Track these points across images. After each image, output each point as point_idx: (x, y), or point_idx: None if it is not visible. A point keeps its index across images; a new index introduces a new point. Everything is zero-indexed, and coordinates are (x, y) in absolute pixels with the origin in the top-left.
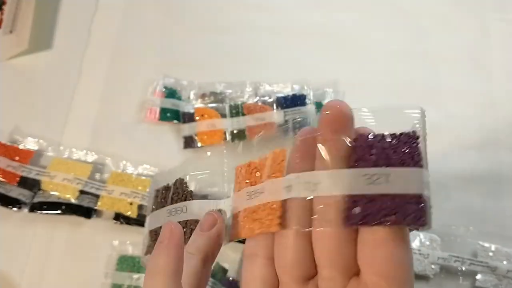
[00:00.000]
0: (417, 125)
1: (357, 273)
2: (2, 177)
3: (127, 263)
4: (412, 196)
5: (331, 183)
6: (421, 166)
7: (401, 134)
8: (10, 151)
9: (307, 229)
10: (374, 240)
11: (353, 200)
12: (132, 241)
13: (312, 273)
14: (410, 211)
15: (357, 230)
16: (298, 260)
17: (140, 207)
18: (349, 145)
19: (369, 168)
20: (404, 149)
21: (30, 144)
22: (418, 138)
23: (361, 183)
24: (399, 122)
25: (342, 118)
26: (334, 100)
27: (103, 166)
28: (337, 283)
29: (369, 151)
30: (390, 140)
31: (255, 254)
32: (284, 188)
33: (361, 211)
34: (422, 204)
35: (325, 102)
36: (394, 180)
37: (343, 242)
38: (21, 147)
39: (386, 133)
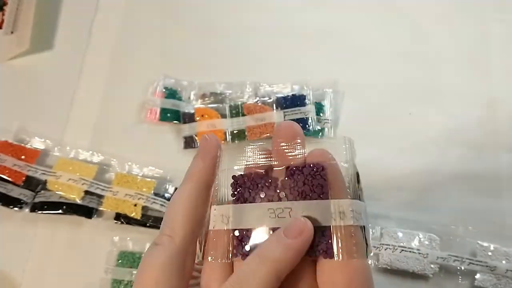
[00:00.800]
0: (344, 152)
1: None
2: (8, 176)
3: (127, 259)
4: (318, 228)
5: (235, 218)
6: (326, 198)
7: (303, 167)
8: (16, 150)
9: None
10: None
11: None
12: (132, 237)
13: None
14: (316, 244)
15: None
16: None
17: (144, 208)
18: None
19: (271, 202)
20: (308, 182)
21: (36, 143)
22: (323, 169)
23: (266, 217)
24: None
25: (293, 131)
26: (284, 123)
27: (108, 167)
28: None
29: (276, 184)
30: (294, 173)
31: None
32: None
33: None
34: (328, 237)
35: (325, 102)
36: (297, 214)
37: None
38: (27, 146)
39: (293, 165)
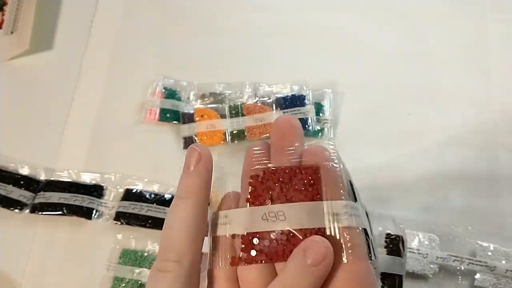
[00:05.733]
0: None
1: None
2: None
3: (130, 257)
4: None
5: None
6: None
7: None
8: None
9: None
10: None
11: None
12: (135, 236)
13: None
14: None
15: None
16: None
17: None
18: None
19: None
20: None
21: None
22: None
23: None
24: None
25: (290, 128)
26: (283, 116)
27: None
28: None
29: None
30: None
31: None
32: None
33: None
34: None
35: (324, 102)
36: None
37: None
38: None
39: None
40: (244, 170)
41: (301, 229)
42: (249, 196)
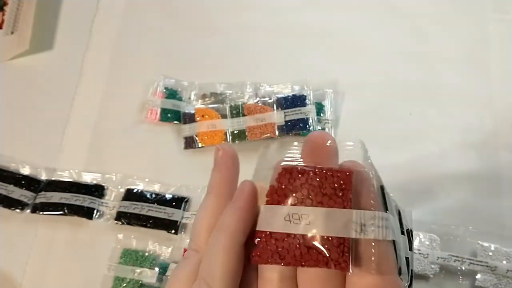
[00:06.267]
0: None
1: None
2: None
3: (131, 257)
4: (335, 239)
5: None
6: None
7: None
8: None
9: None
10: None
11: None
12: (136, 235)
13: None
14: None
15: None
16: None
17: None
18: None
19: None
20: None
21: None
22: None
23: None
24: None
25: (323, 150)
26: (317, 132)
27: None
28: None
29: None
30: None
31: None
32: None
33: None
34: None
35: (325, 102)
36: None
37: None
38: None
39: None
40: (275, 166)
41: (324, 236)
42: (276, 193)
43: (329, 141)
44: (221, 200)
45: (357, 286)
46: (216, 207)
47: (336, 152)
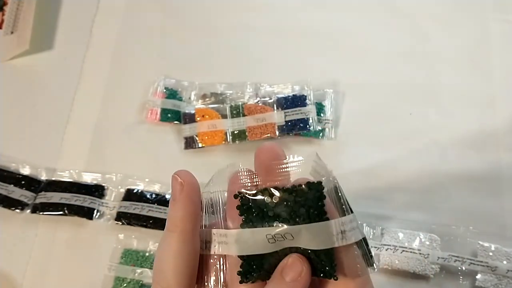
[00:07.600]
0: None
1: None
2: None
3: (131, 257)
4: (321, 250)
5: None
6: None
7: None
8: None
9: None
10: None
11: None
12: (137, 235)
13: None
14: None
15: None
16: None
17: None
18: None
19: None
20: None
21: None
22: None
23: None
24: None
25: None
26: (266, 144)
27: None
28: None
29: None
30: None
31: None
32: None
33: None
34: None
35: (325, 102)
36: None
37: None
38: None
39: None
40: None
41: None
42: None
43: (278, 154)
44: (188, 239)
45: None
46: (182, 247)
47: (286, 165)
